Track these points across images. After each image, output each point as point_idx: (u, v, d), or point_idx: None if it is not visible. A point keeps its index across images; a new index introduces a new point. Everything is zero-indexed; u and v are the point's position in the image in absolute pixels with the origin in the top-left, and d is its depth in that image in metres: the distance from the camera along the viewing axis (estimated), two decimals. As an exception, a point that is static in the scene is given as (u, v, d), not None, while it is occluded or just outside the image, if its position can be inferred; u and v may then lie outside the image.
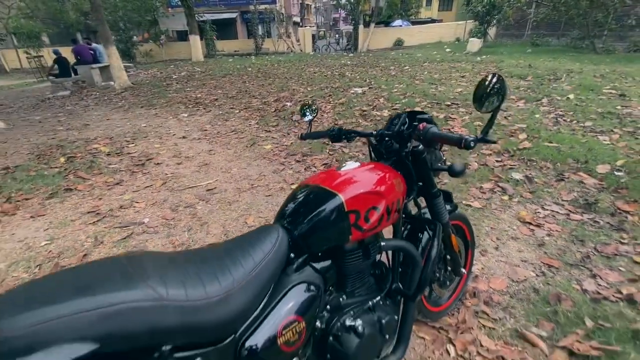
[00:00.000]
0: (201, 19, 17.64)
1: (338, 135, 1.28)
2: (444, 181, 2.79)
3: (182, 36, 22.69)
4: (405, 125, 1.09)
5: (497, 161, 3.14)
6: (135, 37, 18.18)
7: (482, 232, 2.13)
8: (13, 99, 8.32)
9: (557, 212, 2.33)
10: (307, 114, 1.35)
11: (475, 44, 13.49)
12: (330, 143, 3.17)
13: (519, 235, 2.11)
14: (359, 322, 0.95)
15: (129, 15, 16.47)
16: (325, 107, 5.31)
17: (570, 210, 2.33)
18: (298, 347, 0.80)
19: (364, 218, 0.90)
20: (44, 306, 0.51)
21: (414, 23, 23.34)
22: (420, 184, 1.17)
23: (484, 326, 1.46)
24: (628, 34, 11.65)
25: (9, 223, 2.42)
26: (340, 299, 0.98)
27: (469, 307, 1.55)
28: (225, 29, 23.36)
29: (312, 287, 0.86)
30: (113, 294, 0.55)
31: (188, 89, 7.85)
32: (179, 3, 17.35)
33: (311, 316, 0.84)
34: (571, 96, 5.19)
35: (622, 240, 1.98)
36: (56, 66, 8.76)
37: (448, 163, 1.14)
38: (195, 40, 15.14)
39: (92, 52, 9.67)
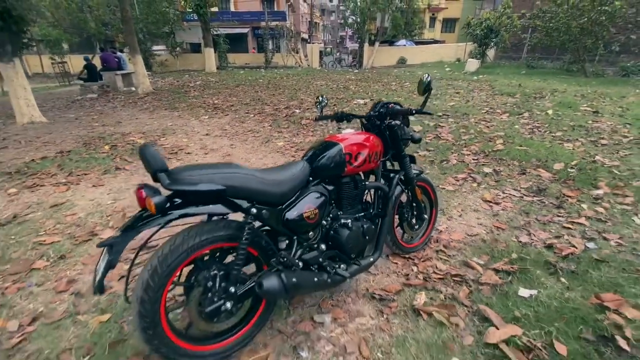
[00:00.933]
0: (216, 33, 18.72)
1: (341, 117, 1.90)
2: (426, 171, 3.40)
3: (195, 48, 23.90)
4: (383, 109, 1.71)
5: (473, 159, 3.75)
6: (155, 46, 19.29)
7: (451, 206, 2.73)
8: (43, 100, 9.07)
9: (513, 195, 2.92)
10: (320, 102, 1.97)
11: (473, 64, 14.32)
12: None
13: (479, 209, 2.70)
14: (349, 224, 1.54)
15: (148, 27, 17.55)
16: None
17: (524, 194, 2.92)
18: (314, 222, 1.40)
19: (354, 158, 1.52)
20: (203, 169, 1.13)
21: (417, 43, 24.45)
22: (394, 152, 1.79)
23: (440, 258, 2.04)
24: (617, 60, 12.44)
25: (77, 190, 3.04)
26: (338, 213, 1.58)
27: (432, 248, 2.14)
28: (237, 42, 24.59)
29: (321, 195, 1.46)
30: (233, 168, 1.17)
31: (205, 95, 8.60)
32: (194, 17, 18.52)
33: (320, 208, 1.44)
34: (550, 112, 5.85)
35: (559, 214, 2.57)
36: (85, 71, 9.57)
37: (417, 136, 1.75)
38: (209, 53, 16.12)
39: (117, 59, 10.52)
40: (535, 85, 9.02)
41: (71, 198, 2.85)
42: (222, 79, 12.26)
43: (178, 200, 1.12)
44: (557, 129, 4.84)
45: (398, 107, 1.68)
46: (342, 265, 1.54)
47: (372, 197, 1.79)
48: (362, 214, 1.67)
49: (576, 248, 2.06)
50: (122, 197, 2.86)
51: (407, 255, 2.05)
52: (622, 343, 1.34)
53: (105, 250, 1.05)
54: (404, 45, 23.53)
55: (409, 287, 1.75)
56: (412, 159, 1.88)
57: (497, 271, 1.87)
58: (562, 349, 1.33)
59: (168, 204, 1.08)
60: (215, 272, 1.21)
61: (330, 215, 1.55)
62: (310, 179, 1.48)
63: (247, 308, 1.40)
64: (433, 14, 29.80)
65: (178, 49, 20.45)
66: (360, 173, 1.65)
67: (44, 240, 2.19)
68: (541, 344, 1.35)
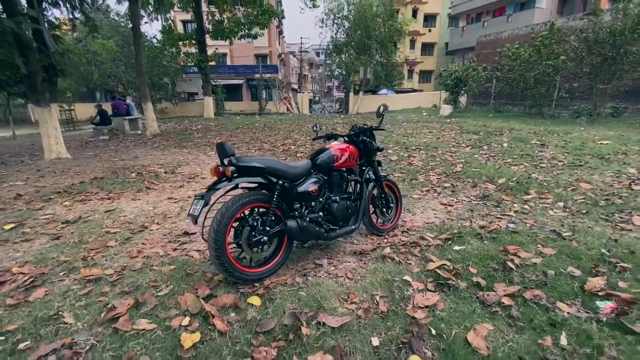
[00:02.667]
0: (214, 84, 20.51)
1: (330, 136, 2.80)
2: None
3: (192, 97, 25.82)
4: (357, 128, 2.63)
5: (437, 178, 4.68)
6: (156, 96, 20.92)
7: (415, 207, 3.57)
8: (58, 141, 9.90)
9: (464, 200, 3.79)
10: (316, 127, 2.88)
11: (447, 109, 16.09)
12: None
13: (437, 208, 3.54)
14: (337, 200, 2.37)
15: (152, 79, 19.20)
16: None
17: (472, 199, 3.81)
18: (315, 196, 2.23)
19: (340, 157, 2.39)
20: (253, 157, 1.98)
21: (397, 92, 26.97)
22: (366, 158, 2.68)
23: (404, 236, 2.83)
24: (570, 104, 14.29)
25: (120, 202, 3.78)
26: (330, 195, 2.41)
27: (399, 230, 2.94)
28: (232, 92, 26.63)
29: (319, 180, 2.31)
30: (270, 159, 2.04)
31: (209, 136, 9.61)
32: (193, 70, 20.43)
33: (318, 188, 2.26)
34: (505, 144, 6.99)
35: (495, 210, 3.43)
36: (98, 116, 10.57)
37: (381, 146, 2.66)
38: (208, 100, 17.62)
39: (126, 106, 11.65)
40: (497, 125, 10.42)
41: (118, 207, 3.58)
42: (221, 124, 13.45)
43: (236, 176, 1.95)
44: (508, 157, 5.90)
45: (365, 126, 2.60)
46: (335, 227, 2.33)
47: (354, 188, 2.64)
48: (346, 196, 2.50)
49: (500, 227, 2.89)
50: (159, 206, 3.62)
51: (380, 235, 2.84)
52: (512, 265, 2.13)
53: (196, 200, 1.85)
54: (386, 94, 25.93)
55: (379, 247, 2.53)
56: (379, 163, 2.77)
57: (441, 239, 2.67)
58: (473, 270, 2.11)
59: (236, 174, 1.90)
60: (257, 218, 2.00)
61: (325, 195, 2.37)
62: (312, 171, 2.33)
63: (275, 247, 2.16)
64: (410, 67, 33.12)
65: (177, 97, 22.10)
66: (344, 170, 2.50)
67: (109, 230, 2.90)
68: (460, 268, 2.13)
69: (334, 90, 53.69)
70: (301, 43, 38.12)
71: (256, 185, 2.14)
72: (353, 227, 2.46)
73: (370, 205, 2.78)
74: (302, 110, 23.83)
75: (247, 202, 1.95)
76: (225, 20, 16.97)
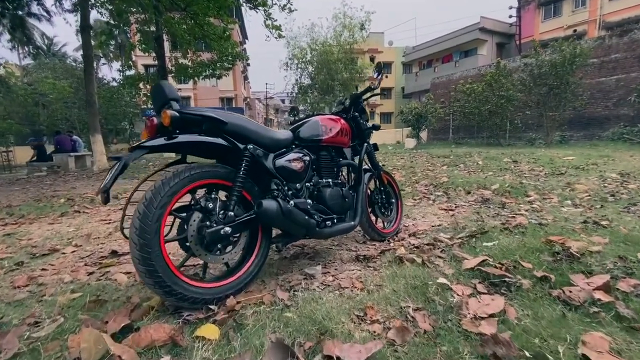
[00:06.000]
0: (176, 123, 19.73)
1: (312, 116, 2.23)
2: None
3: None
4: (347, 102, 2.09)
5: (425, 189, 4.21)
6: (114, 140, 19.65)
7: (414, 213, 3.00)
8: (-20, 181, 8.40)
9: (464, 205, 3.30)
10: (293, 113, 2.32)
11: (411, 142, 16.52)
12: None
13: (438, 213, 3.00)
14: (330, 184, 1.73)
15: (109, 122, 18.07)
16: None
17: (472, 204, 3.33)
18: (300, 172, 1.58)
19: (329, 129, 1.80)
20: (210, 109, 1.33)
21: (362, 131, 27.81)
22: (359, 141, 2.11)
23: (412, 239, 2.21)
24: (523, 134, 15.28)
25: (31, 226, 2.81)
26: (319, 180, 1.77)
27: (404, 234, 2.31)
28: (196, 133, 25.87)
29: (304, 155, 1.68)
30: (235, 114, 1.39)
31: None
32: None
33: (304, 164, 1.63)
34: (480, 162, 6.88)
35: (503, 211, 2.95)
36: (36, 152, 9.27)
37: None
38: (169, 139, 16.63)
39: (72, 142, 10.44)
40: (464, 150, 10.60)
41: (26, 230, 2.62)
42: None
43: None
44: (489, 171, 5.68)
45: (356, 93, 2.06)
46: (323, 216, 1.66)
47: (347, 176, 2.03)
48: (340, 182, 1.87)
49: (522, 222, 2.38)
50: (85, 227, 2.71)
51: (382, 240, 2.19)
52: (574, 252, 1.57)
53: (115, 164, 1.13)
54: (351, 132, 26.59)
55: (388, 251, 1.87)
56: (375, 146, 2.21)
57: (462, 239, 2.08)
58: (527, 264, 1.51)
59: (179, 123, 1.22)
60: (215, 197, 1.29)
61: (313, 180, 1.73)
62: (293, 146, 1.71)
63: (244, 247, 1.42)
64: (372, 109, 34.83)
65: (135, 138, 20.87)
66: (333, 150, 1.90)
67: (-4, 256, 1.97)
68: (509, 263, 1.52)
69: (299, 133, 54.85)
70: (267, 90, 39.18)
71: (214, 160, 1.47)
72: (353, 222, 1.80)
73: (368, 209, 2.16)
74: (269, 149, 23.52)
75: (196, 176, 1.26)
76: (190, 63, 16.78)
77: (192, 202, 1.30)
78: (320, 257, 1.84)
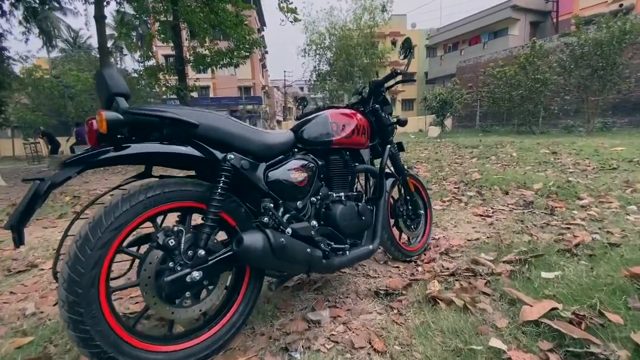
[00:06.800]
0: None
1: (322, 110, 1.84)
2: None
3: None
4: (366, 91, 1.68)
5: (454, 187, 3.74)
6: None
7: (443, 220, 2.57)
8: (9, 173, 8.63)
9: (502, 209, 2.83)
10: (302, 101, 1.93)
11: (434, 130, 15.69)
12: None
13: (472, 221, 2.56)
14: (342, 199, 1.35)
15: (129, 110, 18.31)
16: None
17: (513, 208, 2.85)
18: (302, 187, 1.21)
19: (342, 127, 1.41)
20: (174, 106, 0.97)
21: (382, 118, 26.91)
22: (380, 140, 1.71)
23: (445, 259, 1.81)
24: (558, 121, 14.10)
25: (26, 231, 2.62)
26: (328, 192, 1.40)
27: (433, 252, 1.91)
28: (215, 123, 25.95)
29: (309, 162, 1.30)
30: (211, 113, 1.03)
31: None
32: (174, 103, 19.74)
33: (308, 174, 1.26)
34: (514, 154, 6.23)
35: (553, 219, 2.47)
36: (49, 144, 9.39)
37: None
38: (187, 130, 16.66)
39: (92, 134, 10.55)
40: (494, 140, 9.82)
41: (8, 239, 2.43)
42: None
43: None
44: (525, 164, 5.08)
45: (377, 80, 1.63)
46: (338, 247, 1.29)
47: (365, 184, 1.64)
48: (356, 194, 1.48)
49: (584, 239, 1.91)
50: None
51: (408, 260, 1.80)
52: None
53: (32, 186, 0.81)
54: (371, 120, 25.79)
55: (417, 282, 1.48)
56: (401, 147, 1.80)
57: (509, 262, 1.65)
58: (615, 317, 1.09)
59: (125, 128, 0.88)
60: (180, 229, 0.94)
61: (320, 193, 1.36)
62: (296, 150, 1.33)
63: (224, 291, 1.08)
64: (393, 96, 33.62)
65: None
66: (347, 152, 1.51)
67: (-35, 274, 1.75)
68: (590, 315, 1.10)
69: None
70: (285, 78, 38.66)
71: (190, 171, 1.13)
72: (370, 247, 1.42)
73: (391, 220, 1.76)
74: (287, 139, 23.20)
75: (153, 200, 0.92)
76: (207, 52, 16.56)
77: (151, 233, 0.96)
78: (330, 288, 1.48)
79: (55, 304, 1.42)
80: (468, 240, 2.11)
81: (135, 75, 18.94)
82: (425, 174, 4.64)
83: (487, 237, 2.16)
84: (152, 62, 17.77)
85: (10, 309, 1.41)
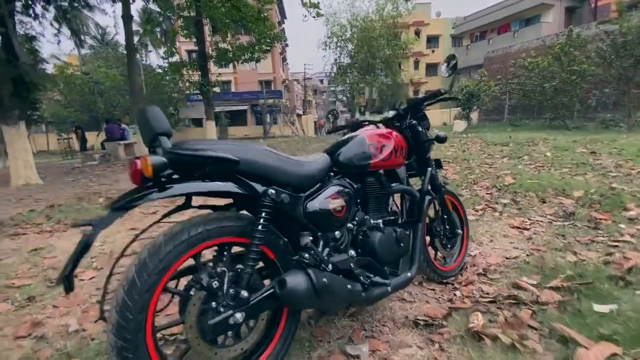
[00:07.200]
0: (217, 109, 20.10)
1: (356, 125, 1.78)
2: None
3: (196, 123, 25.43)
4: (402, 108, 1.60)
5: (486, 193, 3.59)
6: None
7: (478, 233, 2.46)
8: (44, 168, 9.11)
9: (540, 220, 2.68)
10: (333, 113, 1.88)
11: (460, 124, 15.17)
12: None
13: (509, 234, 2.44)
14: (380, 226, 1.30)
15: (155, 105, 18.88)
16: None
17: (552, 219, 2.69)
18: (341, 217, 1.17)
19: (379, 150, 1.35)
20: (212, 142, 0.95)
21: (404, 112, 26.33)
22: (417, 156, 1.63)
23: (484, 281, 1.72)
24: (595, 115, 13.26)
25: (63, 235, 2.75)
26: (364, 217, 1.35)
27: (470, 272, 1.83)
28: (237, 118, 26.28)
29: (346, 188, 1.26)
30: (251, 147, 1.00)
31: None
32: (197, 98, 20.13)
33: (347, 202, 1.21)
34: (548, 154, 5.91)
35: (599, 235, 2.31)
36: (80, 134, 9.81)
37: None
38: (210, 125, 16.98)
39: (121, 131, 10.94)
40: (525, 136, 9.36)
41: (54, 243, 2.55)
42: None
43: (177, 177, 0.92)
44: (562, 167, 4.80)
45: (417, 99, 1.56)
46: (377, 278, 1.24)
47: (400, 204, 1.57)
48: (393, 218, 1.43)
49: (637, 262, 1.77)
50: (112, 240, 2.57)
51: (444, 282, 1.73)
52: None
53: (82, 238, 0.81)
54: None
55: (457, 311, 1.42)
56: (438, 163, 1.72)
57: (555, 289, 1.55)
58: (686, 369, 0.99)
59: (169, 171, 0.87)
60: (223, 269, 0.93)
61: (357, 218, 1.31)
62: (332, 174, 1.29)
63: (263, 327, 1.06)
64: (416, 88, 32.76)
65: (181, 123, 21.71)
66: (382, 173, 1.45)
67: (14, 283, 1.85)
68: (655, 364, 1.01)
69: (338, 114, 53.73)
70: (305, 71, 38.47)
71: (228, 200, 1.12)
72: (409, 274, 1.36)
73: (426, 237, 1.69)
74: (307, 132, 23.17)
75: (199, 237, 0.91)
76: (229, 47, 16.70)
77: (192, 271, 0.96)
78: (365, 314, 1.44)
79: (96, 321, 1.46)
80: (506, 258, 2.01)
81: (160, 71, 19.49)
82: (454, 176, 4.48)
83: (527, 255, 2.04)
84: (175, 58, 18.17)
85: (54, 325, 1.46)
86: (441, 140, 1.59)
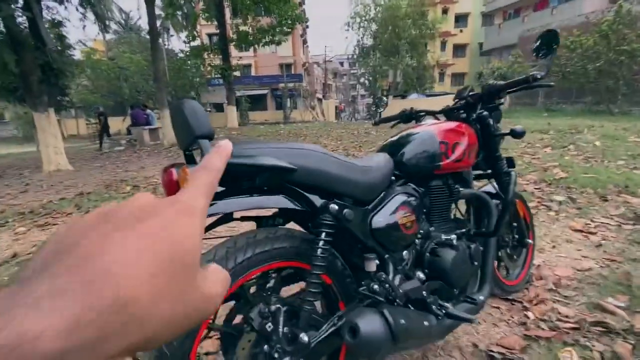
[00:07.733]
0: (238, 94, 20.02)
1: (408, 116, 1.54)
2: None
3: (217, 108, 25.51)
4: (473, 95, 1.34)
5: (535, 188, 3.26)
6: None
7: (537, 236, 2.19)
8: (73, 153, 9.36)
9: (608, 223, 2.37)
10: (380, 102, 1.64)
11: (491, 109, 14.33)
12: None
13: (573, 239, 2.15)
14: (452, 242, 1.08)
15: (177, 91, 18.98)
16: (359, 153, 5.74)
17: (620, 222, 2.37)
18: (412, 233, 0.96)
19: (451, 149, 1.12)
20: (265, 143, 0.75)
21: (429, 96, 25.28)
22: (485, 153, 1.38)
23: (557, 299, 1.48)
24: (641, 99, 12.15)
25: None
26: (430, 229, 1.13)
27: (539, 286, 1.59)
28: (257, 102, 26.13)
29: (412, 197, 1.04)
30: (307, 149, 0.79)
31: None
32: (218, 82, 20.08)
33: (416, 213, 1.00)
34: (597, 143, 5.39)
35: (683, 244, 1.99)
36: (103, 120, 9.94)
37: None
38: (231, 109, 16.94)
39: (145, 116, 11.04)
40: (566, 123, 8.68)
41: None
42: (244, 132, 12.56)
43: (221, 189, 0.73)
44: (616, 158, 4.34)
45: (495, 84, 1.28)
46: (448, 305, 1.03)
47: (467, 212, 1.34)
48: (462, 231, 1.20)
49: None
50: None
51: (509, 298, 1.51)
52: None
53: None
54: (416, 98, 24.38)
55: (536, 341, 1.20)
56: (510, 162, 1.46)
57: (654, 316, 1.30)
58: None
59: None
60: (278, 308, 0.75)
61: (421, 231, 1.10)
62: (393, 178, 1.07)
63: None
64: (442, 70, 31.29)
65: (204, 108, 21.86)
66: (449, 176, 1.22)
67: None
68: None
69: (358, 98, 52.51)
70: (325, 53, 37.55)
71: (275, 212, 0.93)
72: (481, 297, 1.15)
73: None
74: (328, 117, 22.76)
75: (249, 262, 0.73)
76: (250, 30, 16.39)
77: (240, 312, 0.79)
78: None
79: None
80: (577, 270, 1.75)
81: (182, 55, 19.50)
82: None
83: (601, 267, 1.77)
84: (197, 42, 18.08)
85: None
86: (518, 134, 1.32)
